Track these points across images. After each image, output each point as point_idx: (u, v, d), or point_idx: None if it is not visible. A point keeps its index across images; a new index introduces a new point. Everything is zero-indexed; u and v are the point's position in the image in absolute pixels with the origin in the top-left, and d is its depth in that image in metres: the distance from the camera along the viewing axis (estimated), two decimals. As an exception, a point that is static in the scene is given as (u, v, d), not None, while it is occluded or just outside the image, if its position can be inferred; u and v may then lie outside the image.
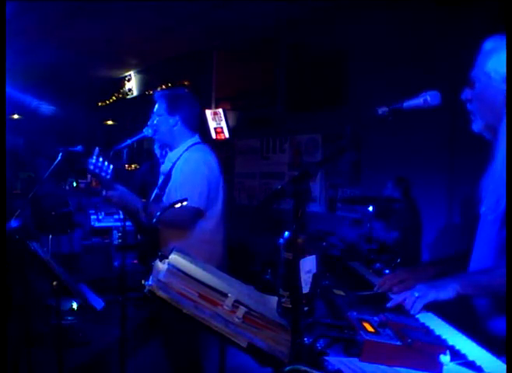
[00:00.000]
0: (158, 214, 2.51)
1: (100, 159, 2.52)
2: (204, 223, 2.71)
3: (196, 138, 2.86)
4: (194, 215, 2.66)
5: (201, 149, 2.81)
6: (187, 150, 2.79)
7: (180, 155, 2.79)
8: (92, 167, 2.52)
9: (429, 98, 1.42)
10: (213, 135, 7.36)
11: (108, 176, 2.54)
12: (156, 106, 2.84)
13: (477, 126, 1.50)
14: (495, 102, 1.42)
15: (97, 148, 2.57)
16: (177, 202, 2.49)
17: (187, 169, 2.70)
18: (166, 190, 2.77)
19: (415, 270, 1.72)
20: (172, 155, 2.83)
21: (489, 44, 1.46)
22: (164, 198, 2.76)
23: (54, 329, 3.92)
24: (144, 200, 2.64)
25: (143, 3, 5.63)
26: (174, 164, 2.79)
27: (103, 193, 2.59)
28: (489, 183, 1.44)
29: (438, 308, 1.40)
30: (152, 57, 8.36)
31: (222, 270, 2.59)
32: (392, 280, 1.68)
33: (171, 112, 2.79)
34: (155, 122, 2.81)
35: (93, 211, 6.28)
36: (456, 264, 1.69)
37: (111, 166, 2.54)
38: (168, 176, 2.80)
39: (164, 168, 2.88)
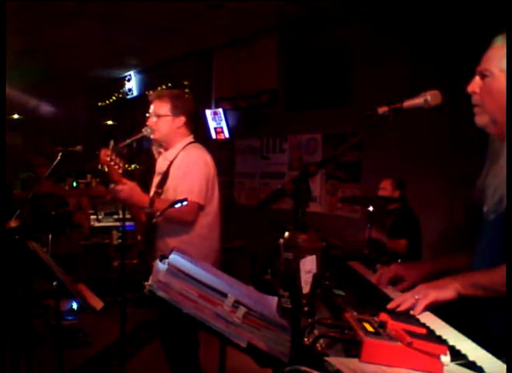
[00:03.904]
0: (158, 213, 2.56)
1: (115, 152, 2.58)
2: (203, 219, 2.78)
3: (191, 138, 2.93)
4: (197, 210, 2.73)
5: (196, 147, 2.88)
6: (183, 149, 2.84)
7: (177, 154, 2.83)
8: (108, 159, 2.56)
9: (429, 98, 1.42)
10: (213, 135, 7.36)
11: (120, 170, 2.59)
12: (156, 106, 2.84)
13: (483, 119, 1.47)
14: (505, 98, 1.40)
15: (112, 141, 2.63)
16: (176, 202, 2.55)
17: (185, 166, 2.76)
18: (165, 188, 2.80)
19: (412, 266, 1.72)
20: (168, 155, 2.87)
21: (501, 39, 1.44)
22: (162, 196, 2.80)
23: (54, 329, 3.92)
24: (151, 197, 2.69)
25: (143, 3, 5.63)
26: (171, 163, 2.82)
27: (111, 186, 2.62)
28: (492, 182, 1.43)
29: (439, 309, 1.40)
30: (152, 57, 8.36)
31: (217, 265, 2.67)
32: (388, 274, 1.69)
33: (176, 113, 2.81)
34: (159, 122, 2.81)
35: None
36: (456, 262, 1.69)
37: (122, 161, 2.60)
38: (165, 174, 2.83)
39: (161, 167, 2.91)
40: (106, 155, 2.56)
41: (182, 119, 2.84)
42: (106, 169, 2.60)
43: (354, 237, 4.61)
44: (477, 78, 1.47)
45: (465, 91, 1.49)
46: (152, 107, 2.85)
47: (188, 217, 2.72)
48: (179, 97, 2.88)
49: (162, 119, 2.81)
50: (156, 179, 2.91)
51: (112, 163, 2.56)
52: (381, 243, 4.23)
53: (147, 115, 2.86)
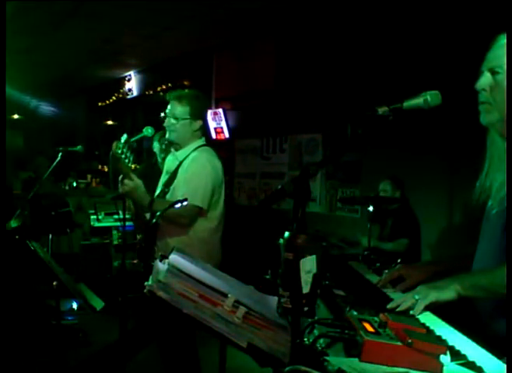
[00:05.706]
0: (158, 213, 2.56)
1: (126, 146, 2.57)
2: (206, 223, 2.76)
3: (203, 140, 2.91)
4: (195, 214, 2.70)
5: (207, 151, 2.87)
6: (194, 150, 2.84)
7: (188, 155, 2.83)
8: (119, 151, 2.56)
9: (429, 98, 1.41)
10: (213, 135, 7.36)
11: (130, 164, 2.59)
12: (175, 107, 2.81)
13: (492, 117, 1.44)
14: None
15: (125, 135, 2.63)
16: (176, 202, 2.55)
17: (193, 168, 2.75)
18: (171, 188, 2.80)
19: (416, 267, 1.73)
20: (179, 154, 2.86)
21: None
22: (168, 195, 2.80)
23: (54, 329, 3.92)
24: (151, 197, 2.67)
25: (143, 3, 5.62)
26: (181, 163, 2.82)
27: (119, 178, 2.62)
28: (498, 178, 1.42)
29: (439, 309, 1.40)
30: (152, 57, 8.35)
31: (218, 268, 2.70)
32: (392, 276, 1.69)
33: (196, 116, 2.81)
34: (177, 125, 2.80)
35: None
36: (458, 263, 1.69)
37: (132, 156, 2.60)
38: (174, 174, 2.83)
39: (170, 166, 2.91)
40: (117, 147, 2.56)
41: (199, 122, 2.84)
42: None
43: (354, 237, 4.61)
44: (487, 75, 1.44)
45: (473, 88, 1.45)
46: (169, 108, 2.82)
47: (184, 220, 2.69)
48: (198, 100, 2.86)
49: (180, 121, 2.80)
50: (164, 178, 2.92)
51: (123, 157, 2.56)
52: (381, 251, 4.23)
53: (162, 115, 2.85)
